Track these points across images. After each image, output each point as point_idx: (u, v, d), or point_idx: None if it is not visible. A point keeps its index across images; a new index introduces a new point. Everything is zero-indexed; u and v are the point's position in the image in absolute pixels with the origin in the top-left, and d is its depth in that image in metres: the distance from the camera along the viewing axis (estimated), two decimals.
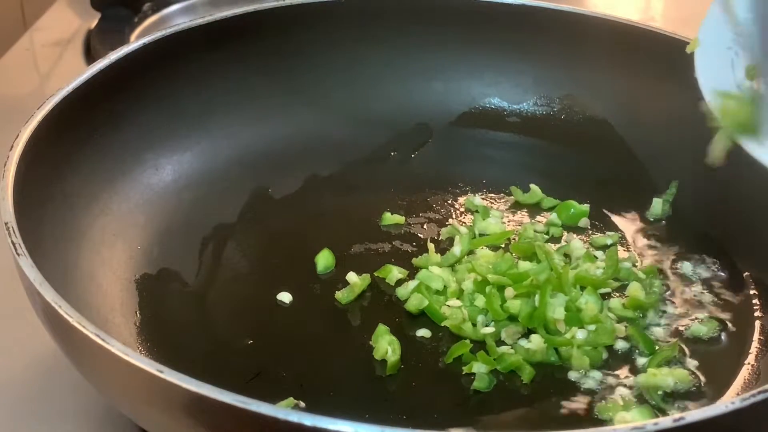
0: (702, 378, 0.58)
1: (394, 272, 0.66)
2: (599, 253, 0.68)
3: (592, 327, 0.60)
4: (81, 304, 0.54)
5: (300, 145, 0.77)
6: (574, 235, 0.71)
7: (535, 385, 0.58)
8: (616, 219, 0.72)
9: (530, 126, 0.80)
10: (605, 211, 0.73)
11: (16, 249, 0.52)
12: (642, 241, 0.70)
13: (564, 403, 0.57)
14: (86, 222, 0.63)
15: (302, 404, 0.55)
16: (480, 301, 0.62)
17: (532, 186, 0.75)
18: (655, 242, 0.70)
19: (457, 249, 0.67)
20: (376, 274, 0.66)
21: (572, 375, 0.58)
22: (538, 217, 0.73)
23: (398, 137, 0.80)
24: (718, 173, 0.71)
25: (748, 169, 0.69)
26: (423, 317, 0.63)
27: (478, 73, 0.81)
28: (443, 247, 0.69)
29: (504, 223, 0.72)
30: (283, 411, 0.42)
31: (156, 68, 0.71)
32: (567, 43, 0.79)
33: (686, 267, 0.67)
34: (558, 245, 0.69)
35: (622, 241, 0.70)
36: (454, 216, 0.73)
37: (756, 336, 0.62)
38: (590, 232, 0.71)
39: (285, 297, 0.64)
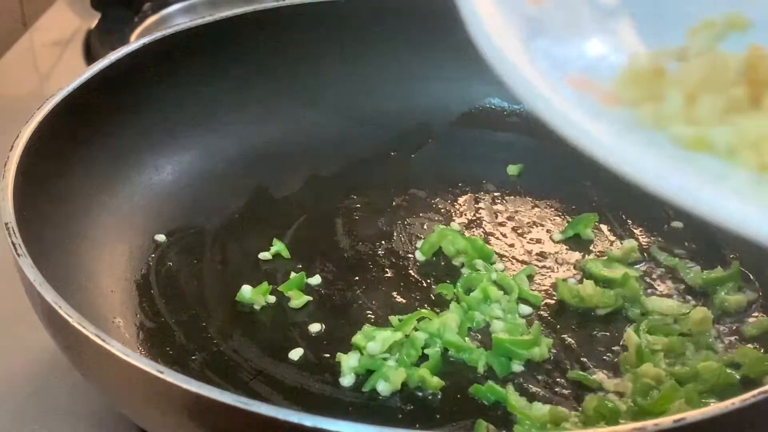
0: None
1: None
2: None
3: None
4: (81, 304, 0.54)
5: (300, 145, 0.77)
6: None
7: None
8: (621, 223, 0.72)
9: (530, 126, 0.80)
10: (607, 213, 0.72)
11: (16, 249, 0.52)
12: (652, 243, 0.70)
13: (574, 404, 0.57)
14: (86, 222, 0.63)
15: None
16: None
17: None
18: (661, 245, 0.70)
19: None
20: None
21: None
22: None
23: (398, 137, 0.80)
24: None
25: None
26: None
27: (478, 73, 0.81)
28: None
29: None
30: (284, 411, 0.43)
31: (156, 68, 0.71)
32: None
33: (695, 270, 0.66)
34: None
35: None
36: (454, 216, 0.73)
37: None
38: (601, 240, 0.71)
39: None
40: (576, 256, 0.68)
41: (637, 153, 0.34)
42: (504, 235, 0.71)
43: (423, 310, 0.62)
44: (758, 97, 0.37)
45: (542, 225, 0.72)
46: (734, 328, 0.62)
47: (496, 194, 0.75)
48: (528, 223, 0.72)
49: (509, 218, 0.72)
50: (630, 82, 0.39)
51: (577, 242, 0.70)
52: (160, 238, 0.67)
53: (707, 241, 0.69)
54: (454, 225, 0.71)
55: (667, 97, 0.38)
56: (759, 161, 0.34)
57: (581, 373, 0.58)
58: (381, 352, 0.58)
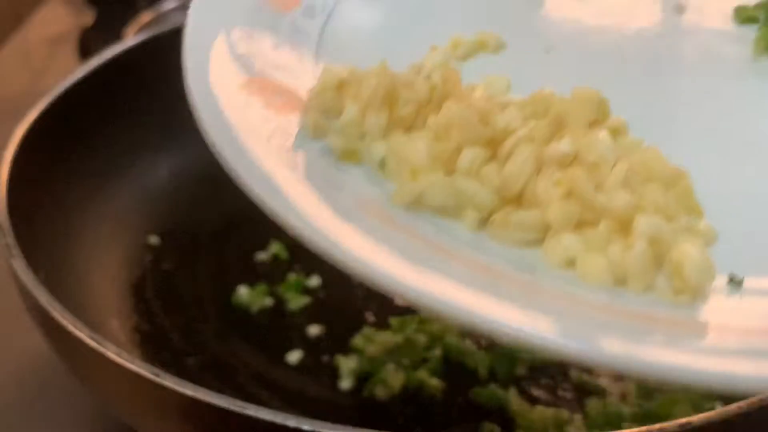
0: None
1: None
2: None
3: None
4: (76, 306, 0.54)
5: None
6: None
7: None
8: None
9: None
10: None
11: (9, 250, 0.51)
12: None
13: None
14: (81, 223, 0.63)
15: None
16: None
17: None
18: None
19: None
20: None
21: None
22: None
23: None
24: None
25: None
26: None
27: None
28: None
29: None
30: (281, 415, 0.42)
31: (152, 66, 0.71)
32: None
33: None
34: None
35: None
36: None
37: None
38: None
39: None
40: None
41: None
42: None
43: None
44: (426, 118, 0.38)
45: None
46: None
47: None
48: None
49: None
50: (319, 92, 0.40)
51: None
52: (156, 239, 0.67)
53: None
54: None
55: (344, 110, 0.39)
56: (408, 173, 0.37)
57: (585, 375, 0.57)
58: (381, 355, 0.57)
